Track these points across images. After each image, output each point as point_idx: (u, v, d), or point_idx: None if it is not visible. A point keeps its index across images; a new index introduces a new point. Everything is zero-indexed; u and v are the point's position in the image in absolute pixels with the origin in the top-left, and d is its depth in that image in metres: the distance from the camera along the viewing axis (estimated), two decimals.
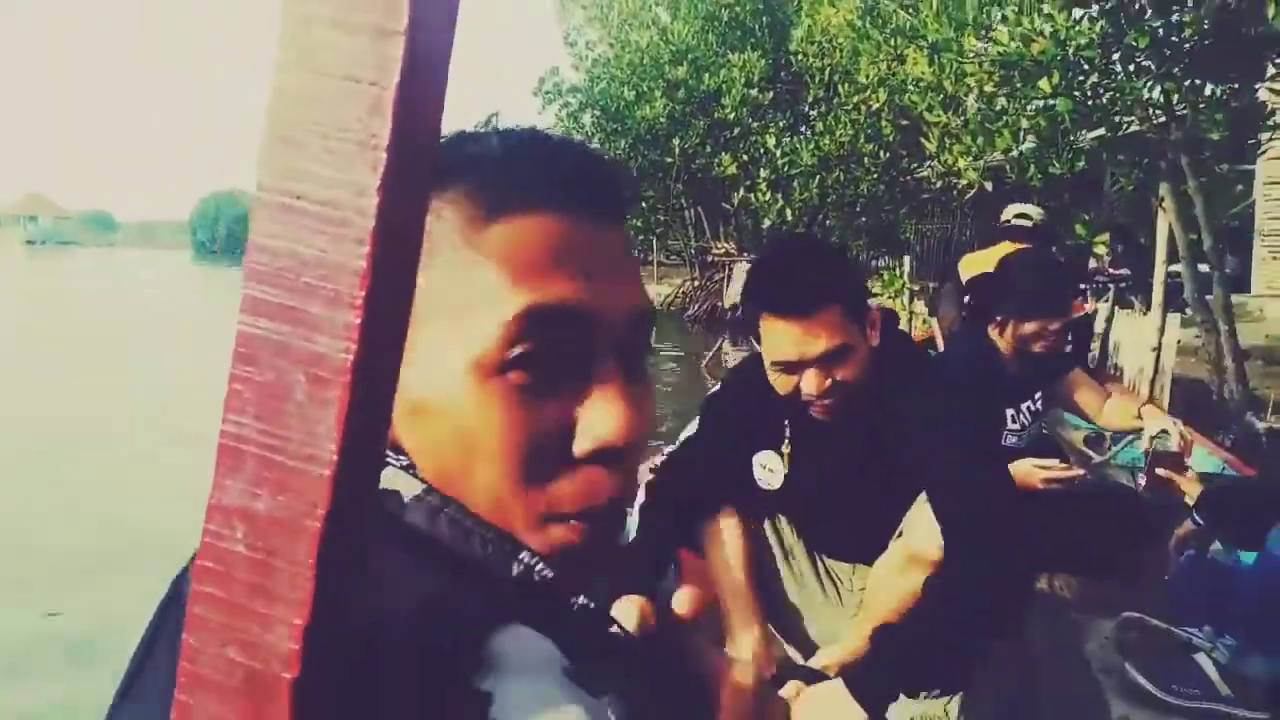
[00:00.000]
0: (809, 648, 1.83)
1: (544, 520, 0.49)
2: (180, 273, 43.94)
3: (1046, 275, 2.62)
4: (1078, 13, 6.97)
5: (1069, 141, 8.52)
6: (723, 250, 17.77)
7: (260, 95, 0.30)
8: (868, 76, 12.14)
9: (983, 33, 7.00)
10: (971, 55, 7.10)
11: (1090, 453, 4.01)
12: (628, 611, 1.72)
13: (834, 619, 1.85)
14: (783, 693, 1.58)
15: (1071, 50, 6.89)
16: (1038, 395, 2.85)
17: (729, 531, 1.81)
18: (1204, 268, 7.08)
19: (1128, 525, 2.74)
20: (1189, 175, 6.74)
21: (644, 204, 16.73)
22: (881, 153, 12.57)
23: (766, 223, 13.11)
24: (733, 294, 17.61)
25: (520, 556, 0.48)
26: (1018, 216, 4.65)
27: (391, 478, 0.49)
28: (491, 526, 0.48)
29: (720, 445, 1.87)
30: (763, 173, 12.91)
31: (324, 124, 0.29)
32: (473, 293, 0.48)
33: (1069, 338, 4.33)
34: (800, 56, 13.01)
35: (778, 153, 12.67)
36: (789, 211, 12.98)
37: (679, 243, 19.71)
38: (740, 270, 17.14)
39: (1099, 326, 9.07)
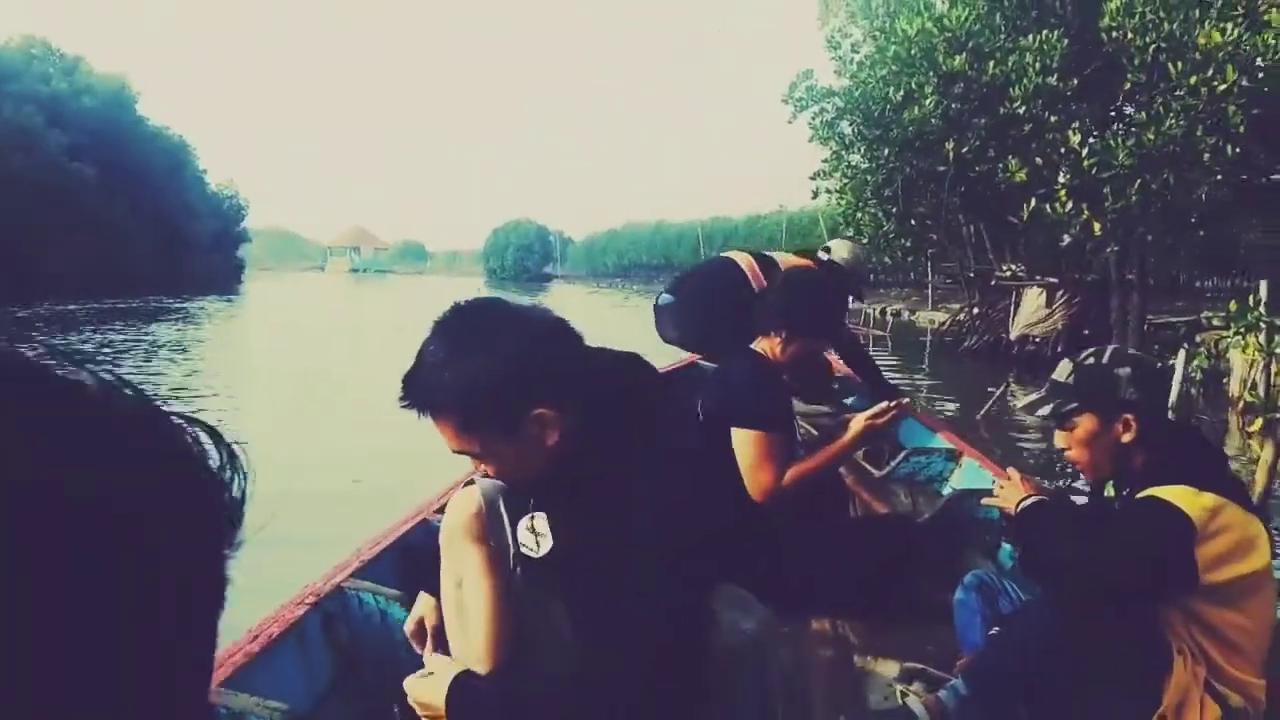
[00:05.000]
0: None
1: None
2: (472, 294, 48.03)
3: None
4: None
5: None
6: (1009, 272, 15.06)
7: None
8: (1208, 46, 9.39)
9: None
10: None
11: (869, 467, 3.95)
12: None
13: None
14: None
15: None
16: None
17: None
18: None
19: (905, 556, 2.59)
20: None
21: (913, 221, 14.47)
22: (1229, 148, 9.69)
23: (1066, 239, 10.59)
24: (1021, 323, 14.95)
25: None
26: (822, 249, 4.38)
27: None
28: None
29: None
30: (1062, 178, 10.39)
31: None
32: None
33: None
34: (1116, 33, 10.37)
35: (1083, 152, 10.11)
36: (1096, 225, 10.33)
37: (955, 264, 17.11)
38: (1031, 296, 14.54)
39: None
